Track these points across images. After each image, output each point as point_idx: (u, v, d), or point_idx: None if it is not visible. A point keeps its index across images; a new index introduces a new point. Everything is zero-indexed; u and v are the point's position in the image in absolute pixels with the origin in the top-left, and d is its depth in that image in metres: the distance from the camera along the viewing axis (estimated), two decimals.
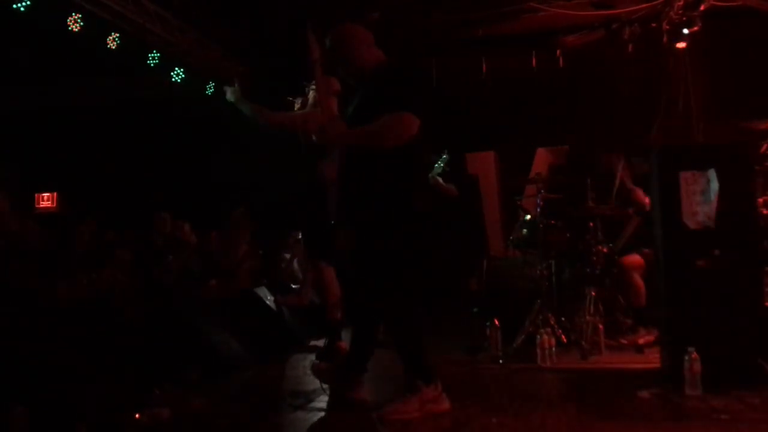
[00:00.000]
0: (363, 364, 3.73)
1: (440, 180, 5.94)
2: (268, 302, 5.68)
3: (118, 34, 6.41)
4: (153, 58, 6.88)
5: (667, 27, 7.85)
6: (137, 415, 3.46)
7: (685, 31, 7.42)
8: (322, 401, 3.75)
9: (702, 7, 7.18)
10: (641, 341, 5.01)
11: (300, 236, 6.61)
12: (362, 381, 3.73)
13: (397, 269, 3.41)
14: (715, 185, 3.79)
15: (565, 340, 4.97)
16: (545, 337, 4.63)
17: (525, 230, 5.64)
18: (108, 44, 6.39)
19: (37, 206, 9.70)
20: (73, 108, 8.97)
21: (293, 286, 6.58)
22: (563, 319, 5.17)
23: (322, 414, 3.57)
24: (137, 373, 4.22)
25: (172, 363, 4.39)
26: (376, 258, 3.41)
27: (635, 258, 5.33)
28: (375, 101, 3.38)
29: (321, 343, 5.30)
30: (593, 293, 5.13)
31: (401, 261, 3.41)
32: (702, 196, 3.80)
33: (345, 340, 4.68)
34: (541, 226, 5.27)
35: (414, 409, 3.32)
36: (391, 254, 3.38)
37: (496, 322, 4.87)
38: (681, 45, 7.81)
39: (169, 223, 6.14)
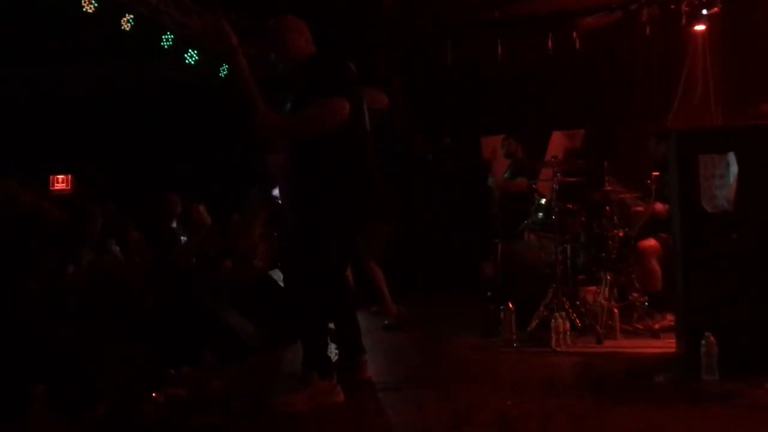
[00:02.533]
0: (357, 346, 3.78)
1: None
2: (282, 285, 5.68)
3: (132, 16, 6.40)
4: (167, 40, 6.86)
5: (686, 9, 7.75)
6: (154, 395, 3.49)
7: (704, 12, 7.31)
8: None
9: None
10: (657, 326, 4.98)
11: None
12: (364, 361, 3.76)
13: (311, 255, 3.42)
14: (734, 169, 3.74)
15: (579, 325, 4.95)
16: (559, 321, 4.62)
17: (540, 214, 5.61)
18: (122, 26, 6.38)
19: (51, 188, 9.76)
20: (90, 89, 8.98)
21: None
22: (578, 303, 5.15)
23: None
24: (154, 354, 4.26)
25: (188, 345, 4.42)
26: (297, 241, 3.49)
27: (652, 242, 5.30)
28: (308, 92, 3.44)
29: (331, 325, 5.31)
30: (609, 278, 5.10)
31: (315, 247, 3.42)
32: (721, 179, 3.75)
33: None
34: (556, 209, 5.24)
35: (302, 401, 3.30)
36: (306, 238, 3.43)
37: (511, 306, 4.86)
38: (700, 27, 7.70)
39: (179, 204, 6.14)
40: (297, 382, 3.44)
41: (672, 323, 4.84)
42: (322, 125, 3.36)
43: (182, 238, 6.00)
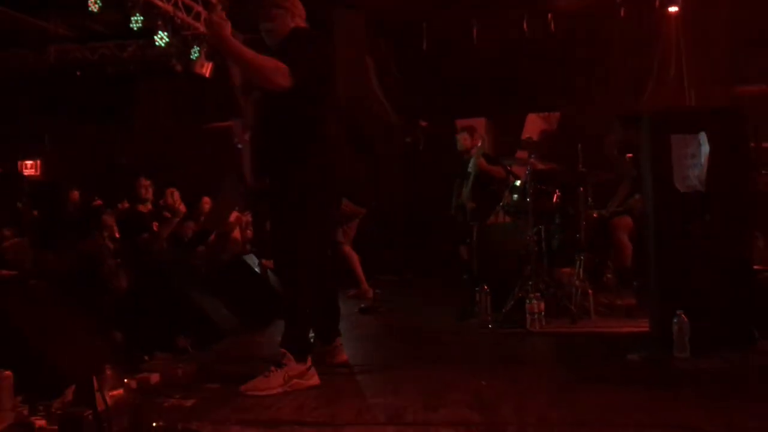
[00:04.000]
0: (334, 330, 3.77)
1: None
2: (256, 269, 5.64)
3: None
4: (136, 21, 6.72)
5: None
6: (126, 380, 3.45)
7: None
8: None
9: None
10: (619, 303, 5.04)
11: None
12: (340, 344, 3.74)
13: (310, 233, 3.38)
14: (705, 148, 3.76)
15: (554, 305, 4.98)
16: (534, 302, 4.64)
17: (515, 196, 5.62)
18: (90, 7, 6.24)
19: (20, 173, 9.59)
20: (57, 73, 8.80)
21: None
22: (552, 283, 5.18)
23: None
24: (127, 340, 4.21)
25: (161, 329, 4.37)
26: (277, 220, 3.45)
27: (625, 219, 5.34)
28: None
29: None
30: (582, 258, 5.13)
31: (314, 225, 3.40)
32: (692, 159, 3.78)
33: None
34: (531, 191, 5.24)
35: (277, 384, 3.25)
36: (304, 218, 3.37)
37: (486, 288, 4.87)
38: (673, 9, 7.74)
39: (151, 189, 6.06)
40: (271, 365, 3.39)
41: (637, 302, 4.91)
42: (262, 77, 3.27)
43: (154, 222, 5.91)
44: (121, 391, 2.77)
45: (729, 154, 3.78)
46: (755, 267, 4.03)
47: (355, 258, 5.99)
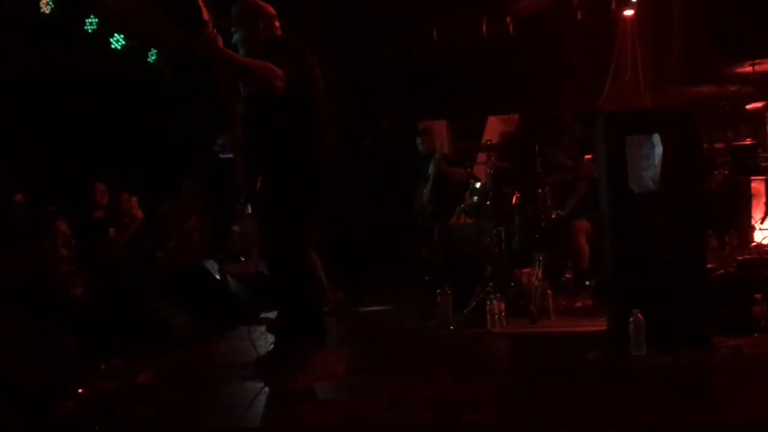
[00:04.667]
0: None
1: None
2: (216, 275, 5.58)
3: None
4: (91, 23, 6.58)
5: None
6: (80, 390, 3.38)
7: None
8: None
9: None
10: (579, 304, 5.10)
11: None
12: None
13: (289, 230, 3.43)
14: (659, 149, 3.82)
15: (515, 306, 5.02)
16: (495, 303, 4.67)
17: (476, 197, 5.65)
18: (41, 8, 6.08)
19: None
20: (5, 76, 8.56)
21: (242, 258, 6.49)
22: (513, 284, 5.22)
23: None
24: (83, 347, 4.13)
25: (119, 337, 4.30)
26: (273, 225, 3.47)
27: (583, 222, 5.40)
28: None
29: (271, 315, 5.25)
30: (542, 259, 5.18)
31: (293, 224, 3.45)
32: (647, 160, 3.84)
33: None
34: (491, 193, 5.28)
35: (310, 377, 3.30)
36: (285, 221, 3.42)
37: (447, 290, 4.89)
38: (629, 12, 7.87)
39: (107, 194, 5.95)
40: (232, 372, 3.35)
41: (594, 302, 4.98)
42: (256, 79, 3.33)
43: (111, 228, 5.80)
44: (75, 403, 2.70)
45: (682, 155, 3.85)
46: (708, 266, 4.11)
47: (316, 260, 5.96)
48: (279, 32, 3.64)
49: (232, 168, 3.74)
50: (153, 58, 7.59)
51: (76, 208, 6.06)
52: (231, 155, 3.74)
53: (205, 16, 3.36)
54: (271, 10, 3.66)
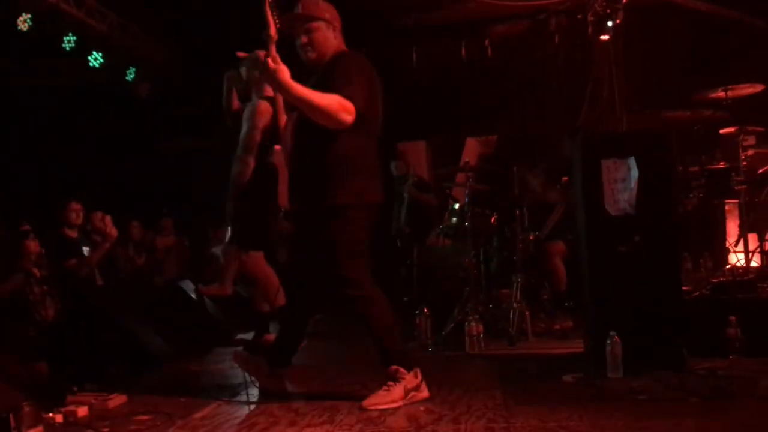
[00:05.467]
0: (290, 356, 3.71)
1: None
2: (192, 295, 5.52)
3: (29, 15, 6.07)
4: (69, 41, 6.54)
5: (592, 18, 8.02)
6: (50, 414, 3.31)
7: (609, 23, 7.58)
8: (247, 394, 3.66)
9: (624, 0, 7.35)
10: (557, 326, 5.12)
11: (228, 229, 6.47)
12: (285, 372, 3.69)
13: (354, 256, 3.33)
14: (635, 173, 3.86)
15: (493, 327, 5.02)
16: (473, 324, 4.66)
17: (454, 218, 5.67)
18: (18, 26, 6.04)
19: None
20: None
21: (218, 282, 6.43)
22: (491, 306, 5.23)
23: (247, 407, 3.48)
24: (54, 370, 4.05)
25: (91, 359, 4.23)
26: (331, 246, 3.32)
27: (559, 244, 5.43)
28: (326, 85, 3.20)
29: (248, 336, 5.20)
30: (519, 280, 5.20)
31: (356, 248, 3.35)
32: (623, 183, 3.88)
33: (273, 333, 4.62)
34: (469, 214, 5.30)
35: (399, 397, 3.29)
36: (347, 242, 3.31)
37: (426, 311, 4.88)
38: (605, 37, 7.99)
39: (81, 213, 5.87)
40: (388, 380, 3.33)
41: (573, 324, 5.00)
42: (327, 117, 3.13)
43: (85, 248, 5.72)
44: (40, 428, 2.64)
45: (657, 178, 3.89)
46: (684, 288, 4.15)
47: None
48: (341, 37, 3.39)
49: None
50: (131, 75, 7.55)
51: (49, 227, 5.99)
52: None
53: (273, 31, 3.03)
54: (336, 15, 3.38)
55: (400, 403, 3.29)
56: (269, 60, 3.02)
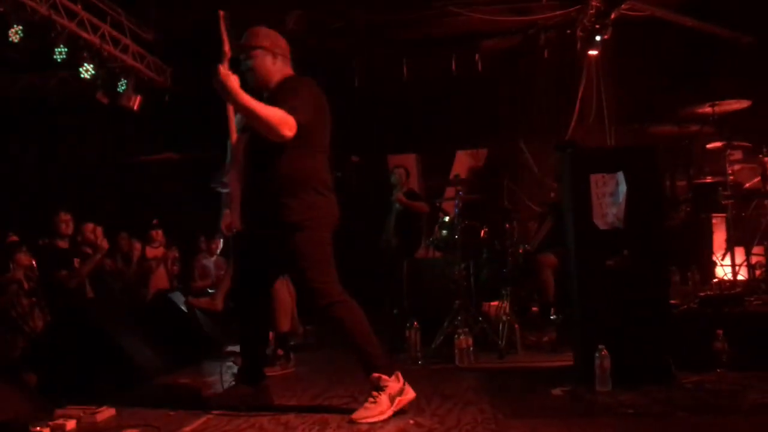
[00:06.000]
0: (261, 368, 3.75)
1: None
2: (182, 307, 5.50)
3: (21, 27, 6.07)
4: (60, 53, 6.54)
5: (581, 34, 8.12)
6: (38, 428, 3.29)
7: (597, 38, 7.67)
8: (238, 407, 3.65)
9: (612, 16, 7.45)
10: (546, 339, 5.14)
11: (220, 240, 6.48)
12: (266, 385, 3.71)
13: (320, 266, 3.42)
14: (623, 187, 3.90)
15: (483, 340, 5.03)
16: (463, 337, 4.67)
17: (444, 231, 5.69)
18: (10, 37, 6.04)
19: None
20: None
21: (209, 291, 6.42)
22: (481, 319, 5.24)
23: (238, 420, 3.47)
24: (41, 383, 4.03)
25: (79, 371, 4.20)
26: (296, 261, 3.43)
27: (549, 256, 5.46)
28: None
29: (237, 348, 5.17)
30: (509, 293, 5.22)
31: (321, 258, 3.44)
32: (611, 197, 3.91)
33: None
34: (459, 227, 5.32)
35: (387, 406, 3.31)
36: (310, 254, 3.41)
37: (416, 324, 4.89)
38: (593, 52, 8.08)
39: (71, 223, 5.85)
40: (372, 391, 3.33)
41: (559, 337, 5.02)
42: (267, 128, 3.26)
43: (75, 259, 5.71)
44: None
45: (645, 192, 3.93)
46: (672, 301, 4.18)
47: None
48: (287, 62, 3.58)
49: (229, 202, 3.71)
50: (123, 87, 7.55)
51: (39, 237, 5.97)
52: (227, 190, 3.72)
53: (227, 49, 3.32)
54: (285, 43, 3.60)
55: (389, 413, 3.30)
56: (220, 67, 3.23)
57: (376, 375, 3.35)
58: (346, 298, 3.45)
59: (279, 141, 3.29)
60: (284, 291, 4.97)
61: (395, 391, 3.35)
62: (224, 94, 3.25)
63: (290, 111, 3.28)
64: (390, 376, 3.36)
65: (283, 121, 3.25)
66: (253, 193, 3.55)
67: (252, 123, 3.34)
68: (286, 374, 4.63)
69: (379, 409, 3.30)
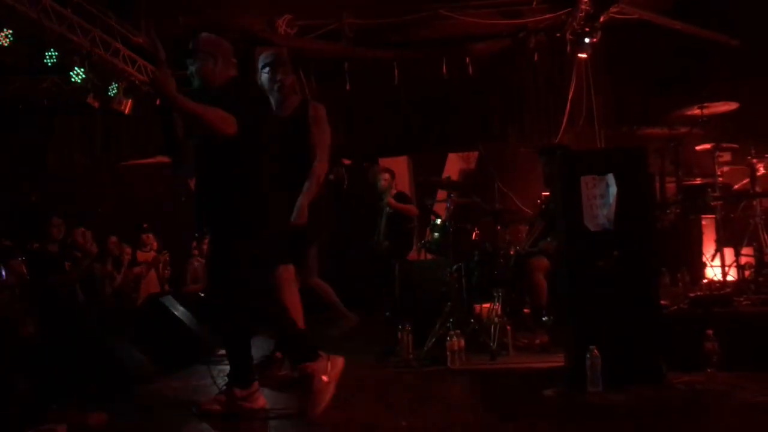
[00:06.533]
0: (251, 370, 3.71)
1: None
2: (173, 311, 5.48)
3: (11, 31, 6.05)
4: (50, 56, 6.52)
5: (570, 37, 8.17)
6: None
7: (587, 41, 7.72)
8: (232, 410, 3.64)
9: (601, 19, 7.50)
10: (537, 341, 5.15)
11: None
12: (258, 389, 3.70)
13: (225, 270, 3.54)
14: (613, 189, 3.92)
15: (474, 341, 5.04)
16: (455, 339, 4.67)
17: (436, 233, 5.71)
18: (0, 41, 6.02)
19: None
20: None
21: (201, 294, 6.41)
22: (472, 320, 5.25)
23: (229, 423, 3.47)
24: (32, 388, 4.00)
25: (70, 376, 4.18)
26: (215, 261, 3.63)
27: (542, 260, 5.47)
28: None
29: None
30: (501, 295, 5.23)
31: (230, 262, 3.53)
32: (601, 199, 3.93)
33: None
34: (451, 229, 5.34)
35: (324, 386, 3.42)
36: (222, 258, 3.56)
37: (408, 326, 4.89)
38: (583, 55, 8.13)
39: (63, 229, 5.83)
40: (188, 411, 3.39)
41: (550, 339, 5.03)
42: (206, 126, 3.42)
43: (67, 263, 5.69)
44: None
45: (635, 194, 3.95)
46: (662, 302, 4.20)
47: (327, 289, 5.77)
48: (235, 71, 3.75)
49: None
50: (114, 91, 7.53)
51: (29, 241, 5.94)
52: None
53: (161, 55, 3.50)
54: (229, 46, 3.77)
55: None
56: (158, 72, 3.42)
57: (301, 366, 3.48)
58: (239, 303, 3.54)
59: (222, 138, 3.42)
60: (291, 291, 4.83)
61: (240, 396, 3.52)
62: (163, 97, 3.39)
63: (231, 108, 3.42)
64: (244, 389, 3.53)
65: (222, 119, 3.40)
66: (201, 198, 3.67)
67: (193, 123, 3.51)
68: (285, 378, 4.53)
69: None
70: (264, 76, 4.56)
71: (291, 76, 4.66)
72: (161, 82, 3.33)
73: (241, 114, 3.47)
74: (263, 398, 3.58)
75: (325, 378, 3.43)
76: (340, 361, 3.55)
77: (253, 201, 3.56)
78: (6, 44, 6.05)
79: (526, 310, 5.46)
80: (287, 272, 4.45)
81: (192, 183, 3.89)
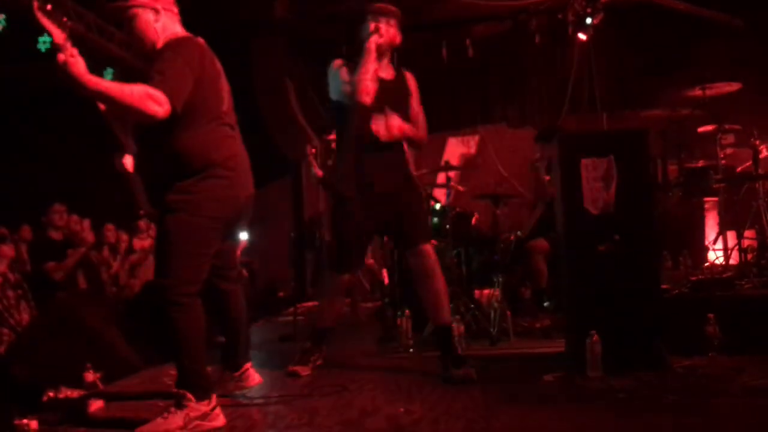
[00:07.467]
0: (242, 356, 3.70)
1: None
2: None
3: (3, 16, 5.98)
4: (44, 42, 6.45)
5: (572, 18, 8.07)
6: (24, 420, 3.25)
7: (588, 22, 7.62)
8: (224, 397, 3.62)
9: (603, 0, 7.39)
10: (538, 325, 5.12)
11: None
12: (249, 368, 3.69)
13: (181, 257, 3.02)
14: (614, 172, 3.87)
15: (474, 327, 5.01)
16: (454, 324, 4.63)
17: (435, 219, 5.65)
18: None
19: None
20: None
21: None
22: (472, 306, 5.22)
23: (227, 410, 3.44)
24: (29, 375, 3.99)
25: (67, 364, 4.17)
26: (159, 245, 3.12)
27: (541, 242, 5.44)
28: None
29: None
30: (501, 280, 5.20)
31: (186, 249, 3.04)
32: (602, 182, 3.88)
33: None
34: (450, 214, 5.29)
35: (176, 426, 2.95)
36: (176, 242, 3.03)
37: (407, 312, 4.86)
38: (584, 37, 8.03)
39: (65, 215, 5.78)
40: (171, 406, 3.11)
41: (552, 323, 5.01)
42: (130, 110, 2.83)
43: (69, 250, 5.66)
44: None
45: (636, 176, 3.90)
46: (663, 286, 4.16)
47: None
48: (174, 17, 3.12)
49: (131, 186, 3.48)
50: (109, 77, 7.47)
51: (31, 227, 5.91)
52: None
53: (56, 38, 2.81)
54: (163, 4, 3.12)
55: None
56: (59, 55, 2.74)
57: (182, 392, 3.02)
58: (192, 301, 3.05)
59: (150, 121, 2.83)
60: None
61: (196, 415, 3.01)
62: (71, 84, 2.75)
63: (158, 82, 2.82)
64: (199, 400, 3.03)
65: (149, 97, 2.78)
66: (145, 176, 3.27)
67: (112, 108, 2.96)
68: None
69: (165, 426, 2.95)
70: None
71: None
72: (64, 62, 2.70)
73: (176, 83, 2.86)
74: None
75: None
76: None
77: (192, 182, 3.03)
78: None
79: (526, 295, 5.42)
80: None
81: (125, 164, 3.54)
